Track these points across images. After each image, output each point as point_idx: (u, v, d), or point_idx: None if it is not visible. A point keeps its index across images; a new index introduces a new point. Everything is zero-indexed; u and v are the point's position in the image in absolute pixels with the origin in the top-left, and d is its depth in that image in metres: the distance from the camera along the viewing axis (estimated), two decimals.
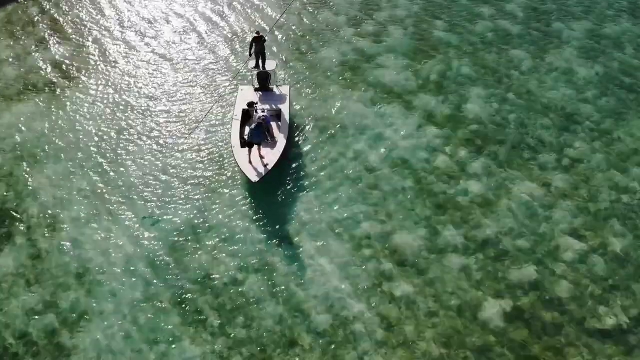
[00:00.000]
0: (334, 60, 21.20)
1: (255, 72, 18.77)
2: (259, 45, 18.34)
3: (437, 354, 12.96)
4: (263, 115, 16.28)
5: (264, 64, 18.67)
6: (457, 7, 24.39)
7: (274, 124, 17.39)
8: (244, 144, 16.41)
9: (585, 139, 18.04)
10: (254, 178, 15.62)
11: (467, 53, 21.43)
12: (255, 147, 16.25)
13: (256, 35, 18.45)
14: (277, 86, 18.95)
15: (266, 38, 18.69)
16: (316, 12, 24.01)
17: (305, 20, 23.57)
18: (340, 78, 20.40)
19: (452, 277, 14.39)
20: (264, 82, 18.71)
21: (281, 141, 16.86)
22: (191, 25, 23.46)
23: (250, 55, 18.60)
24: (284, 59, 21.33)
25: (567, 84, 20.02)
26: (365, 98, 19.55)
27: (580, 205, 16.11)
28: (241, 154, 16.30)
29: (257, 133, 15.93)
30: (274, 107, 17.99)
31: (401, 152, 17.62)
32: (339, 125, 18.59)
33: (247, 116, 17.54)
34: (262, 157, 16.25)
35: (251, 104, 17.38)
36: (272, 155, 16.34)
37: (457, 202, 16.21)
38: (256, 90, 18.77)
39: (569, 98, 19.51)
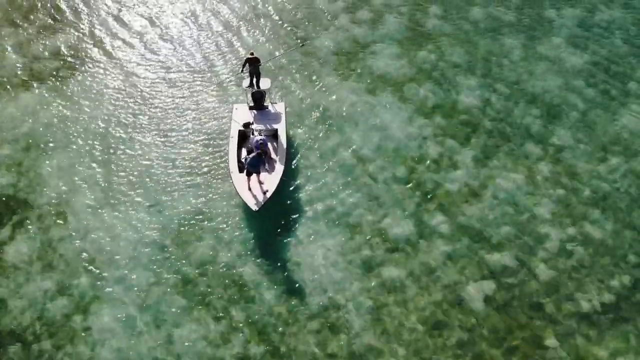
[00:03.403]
0: (328, 49, 21.71)
1: (250, 91, 18.55)
2: (252, 66, 18.23)
3: (422, 334, 14.06)
4: (261, 139, 16.20)
5: (257, 82, 18.57)
6: None
7: (270, 145, 17.17)
8: (242, 168, 16.22)
9: (570, 129, 18.76)
10: (254, 207, 15.55)
11: (460, 41, 21.93)
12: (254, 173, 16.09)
13: (250, 55, 18.34)
14: (272, 104, 18.74)
15: (261, 62, 18.51)
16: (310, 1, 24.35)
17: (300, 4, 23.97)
18: (333, 67, 20.98)
19: (437, 263, 15.39)
20: (259, 101, 18.49)
21: (279, 165, 16.76)
22: (194, 25, 23.87)
23: (242, 71, 18.62)
24: (279, 47, 21.82)
25: (556, 73, 20.61)
26: (359, 88, 20.19)
27: (562, 194, 16.96)
28: (240, 181, 16.16)
29: (256, 162, 15.84)
30: (269, 127, 17.87)
31: (393, 142, 18.38)
32: (331, 115, 19.28)
33: (243, 136, 17.52)
34: (261, 183, 16.22)
35: (247, 125, 17.32)
36: (271, 181, 16.26)
37: (444, 190, 17.07)
38: (251, 108, 18.53)
39: (557, 88, 20.13)
